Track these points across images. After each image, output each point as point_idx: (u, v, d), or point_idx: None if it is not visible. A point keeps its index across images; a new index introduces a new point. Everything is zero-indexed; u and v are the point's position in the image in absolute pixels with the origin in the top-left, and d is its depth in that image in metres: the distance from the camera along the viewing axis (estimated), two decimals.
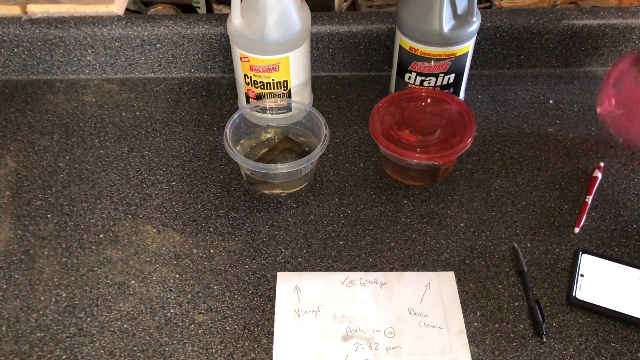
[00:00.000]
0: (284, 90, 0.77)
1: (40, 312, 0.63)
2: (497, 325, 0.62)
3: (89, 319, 0.62)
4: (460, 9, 0.73)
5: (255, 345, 0.60)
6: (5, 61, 0.88)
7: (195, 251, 0.68)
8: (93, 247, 0.69)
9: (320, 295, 0.64)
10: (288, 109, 0.78)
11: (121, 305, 0.63)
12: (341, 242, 0.69)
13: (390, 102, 0.75)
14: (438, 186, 0.75)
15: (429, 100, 0.76)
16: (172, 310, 0.63)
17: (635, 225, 0.71)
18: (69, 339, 0.61)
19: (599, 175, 0.75)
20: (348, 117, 0.85)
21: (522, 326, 0.62)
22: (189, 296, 0.64)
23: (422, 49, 0.74)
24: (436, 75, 0.77)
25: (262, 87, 0.76)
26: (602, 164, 0.76)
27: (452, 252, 0.68)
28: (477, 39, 0.78)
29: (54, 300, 0.64)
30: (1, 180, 0.76)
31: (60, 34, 0.86)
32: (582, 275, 0.65)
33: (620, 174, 0.77)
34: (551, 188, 0.75)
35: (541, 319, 0.61)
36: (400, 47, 0.77)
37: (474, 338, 0.61)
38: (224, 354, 0.60)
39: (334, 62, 0.91)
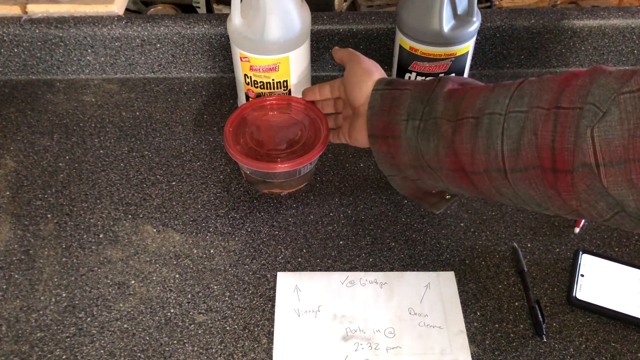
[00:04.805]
0: (284, 90, 0.77)
1: (40, 312, 0.63)
2: (497, 325, 0.62)
3: (89, 319, 0.62)
4: (460, 9, 0.73)
5: (255, 345, 0.60)
6: (5, 61, 0.88)
7: (195, 251, 0.68)
8: (93, 247, 0.69)
9: (320, 295, 0.64)
10: None
11: (121, 305, 0.63)
12: (341, 242, 0.69)
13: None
14: None
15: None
16: (172, 310, 0.63)
17: None
18: (69, 339, 0.61)
19: None
20: None
21: (522, 326, 0.62)
22: (189, 296, 0.64)
23: (422, 48, 0.74)
24: (436, 75, 0.77)
25: (262, 87, 0.76)
26: None
27: (452, 252, 0.68)
28: (477, 39, 0.78)
29: (54, 300, 0.64)
30: (1, 180, 0.76)
31: (60, 34, 0.86)
32: (582, 275, 0.65)
33: None
34: None
35: (541, 319, 0.61)
36: (400, 47, 0.77)
37: (474, 338, 0.61)
38: (224, 354, 0.60)
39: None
